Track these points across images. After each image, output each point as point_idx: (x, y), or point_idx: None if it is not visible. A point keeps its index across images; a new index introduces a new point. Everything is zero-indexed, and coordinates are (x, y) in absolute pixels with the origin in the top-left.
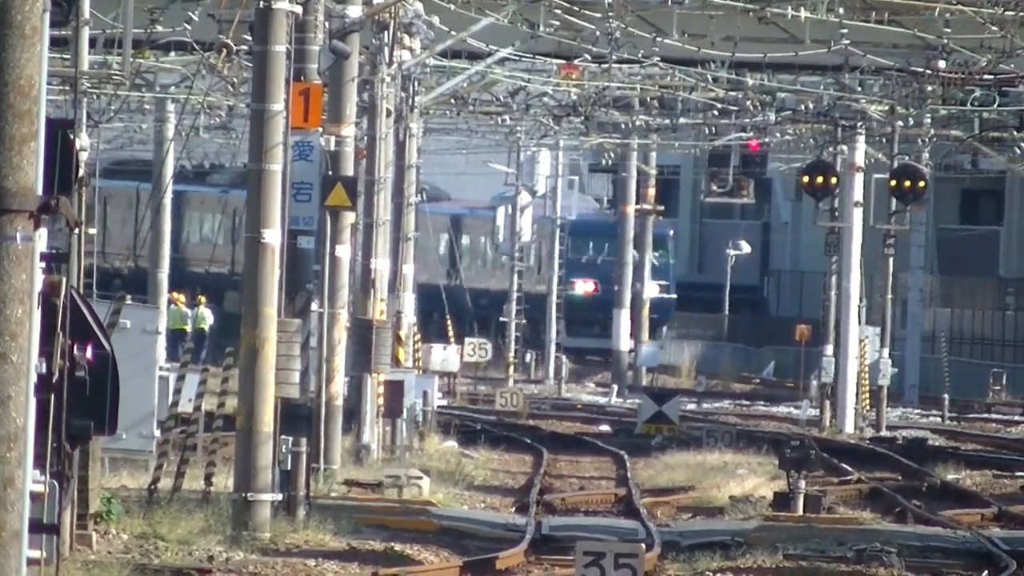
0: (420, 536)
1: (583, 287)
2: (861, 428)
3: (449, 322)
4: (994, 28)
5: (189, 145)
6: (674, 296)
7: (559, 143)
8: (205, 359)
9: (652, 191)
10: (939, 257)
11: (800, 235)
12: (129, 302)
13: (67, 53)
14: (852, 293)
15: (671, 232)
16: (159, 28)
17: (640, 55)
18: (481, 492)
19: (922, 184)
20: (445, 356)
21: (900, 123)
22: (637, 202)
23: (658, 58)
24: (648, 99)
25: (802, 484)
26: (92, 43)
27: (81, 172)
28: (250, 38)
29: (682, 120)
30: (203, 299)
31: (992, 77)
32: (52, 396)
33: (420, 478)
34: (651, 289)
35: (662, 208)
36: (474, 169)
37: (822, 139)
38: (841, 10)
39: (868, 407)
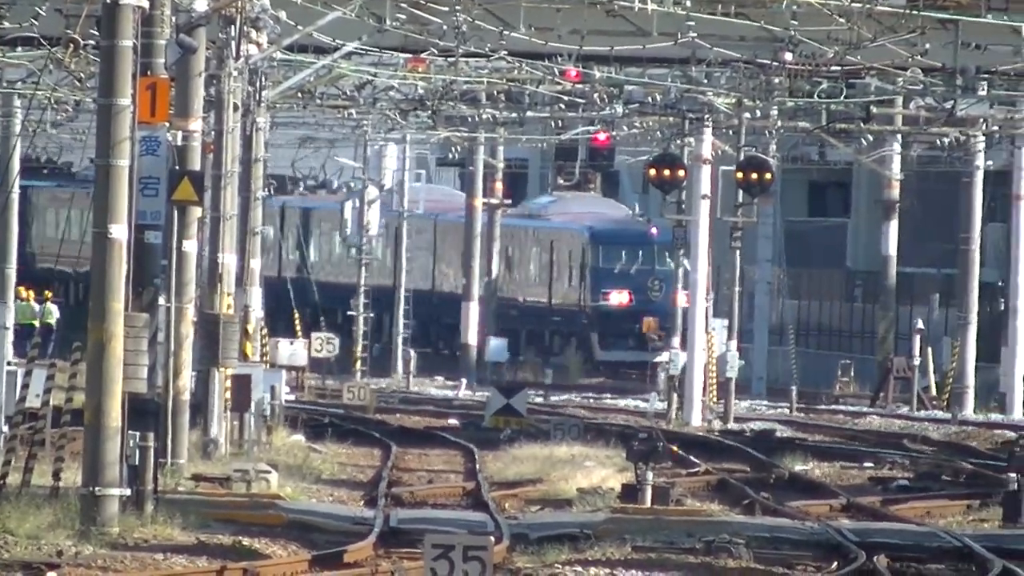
0: (268, 530)
1: (617, 298)
2: (709, 421)
3: (297, 317)
4: (841, 20)
5: (36, 140)
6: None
7: (406, 137)
8: (52, 354)
9: (500, 185)
10: (786, 249)
11: None
12: None
13: None
14: (699, 286)
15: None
16: (6, 24)
17: (487, 49)
18: (329, 486)
19: (769, 176)
20: (293, 351)
21: (747, 115)
22: (484, 195)
23: (505, 52)
24: (495, 93)
25: (650, 476)
26: None
27: None
28: (97, 33)
29: (529, 114)
30: (49, 294)
31: (839, 69)
32: None
33: (268, 472)
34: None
35: (509, 202)
36: (319, 163)
37: (669, 132)
38: (688, 3)
39: (716, 399)
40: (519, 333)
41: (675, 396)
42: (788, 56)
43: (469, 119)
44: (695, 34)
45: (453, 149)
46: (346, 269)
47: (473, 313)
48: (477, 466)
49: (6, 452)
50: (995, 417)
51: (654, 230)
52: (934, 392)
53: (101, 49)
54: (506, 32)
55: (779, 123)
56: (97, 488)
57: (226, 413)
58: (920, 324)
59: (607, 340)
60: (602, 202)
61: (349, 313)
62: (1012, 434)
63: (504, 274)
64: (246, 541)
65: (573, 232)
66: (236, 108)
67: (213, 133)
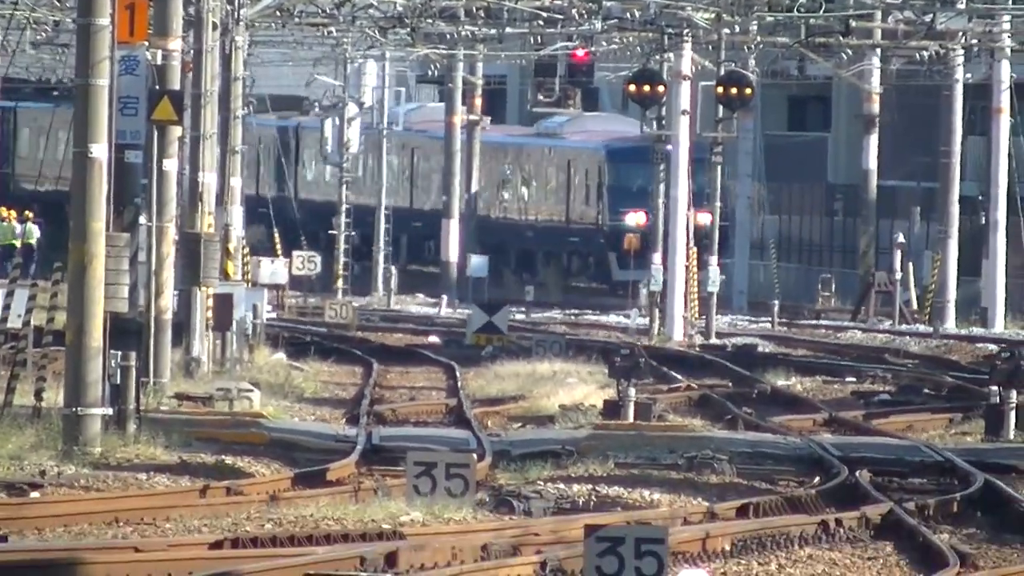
0: (251, 449)
1: (634, 218)
2: (691, 336)
3: (277, 235)
4: None
5: (16, 61)
6: (727, 223)
7: (386, 55)
8: (34, 274)
9: (479, 101)
10: (766, 164)
11: None
12: None
13: None
14: (680, 202)
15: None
16: None
17: None
18: (311, 404)
19: (748, 91)
20: (274, 269)
21: (726, 30)
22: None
23: None
24: (474, 9)
25: (632, 392)
26: None
27: None
28: None
29: (508, 30)
30: (31, 214)
31: None
32: None
33: (250, 391)
34: (704, 217)
35: (489, 118)
36: (301, 81)
37: (648, 48)
38: None
39: (697, 315)
40: (534, 254)
41: (657, 312)
42: None
43: (448, 36)
44: None
45: (433, 66)
46: (327, 187)
47: (453, 231)
48: (459, 383)
49: None
50: (976, 331)
51: (670, 147)
52: (915, 306)
53: None
54: None
55: (758, 38)
56: (79, 408)
57: (208, 332)
58: (901, 238)
59: (624, 260)
60: (619, 120)
61: (330, 232)
62: (993, 347)
63: (521, 194)
64: (228, 460)
65: (590, 151)
66: (215, 27)
67: (192, 52)
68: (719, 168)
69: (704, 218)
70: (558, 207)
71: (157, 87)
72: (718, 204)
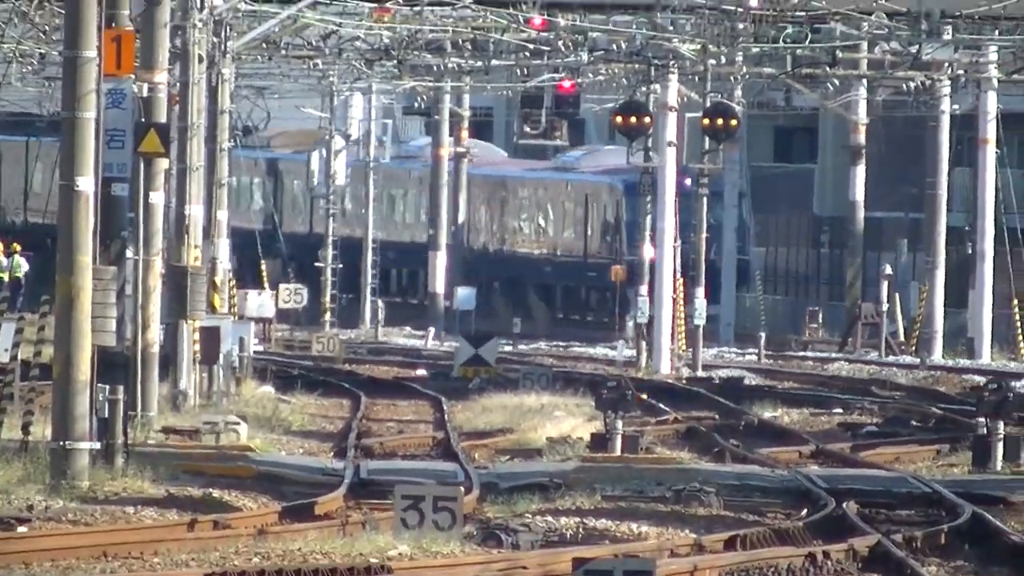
0: (238, 482)
1: (651, 251)
2: (678, 368)
3: (264, 268)
4: None
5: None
6: (747, 258)
7: (372, 87)
8: (21, 307)
9: (466, 133)
10: (753, 195)
11: None
12: None
13: None
14: (666, 233)
15: (744, 188)
16: None
17: None
18: (299, 437)
19: (735, 122)
20: (260, 302)
21: (712, 62)
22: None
23: (470, 0)
24: (460, 41)
25: (619, 425)
26: None
27: None
28: None
29: (495, 62)
30: (18, 247)
31: (804, 14)
32: None
33: (237, 424)
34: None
35: (477, 149)
36: (287, 115)
37: (635, 79)
38: None
39: (684, 347)
40: (554, 289)
41: (644, 344)
42: (753, 2)
43: (435, 68)
44: None
45: (419, 98)
46: (314, 219)
47: (440, 263)
48: (446, 416)
49: None
50: (963, 362)
51: (687, 181)
52: (902, 337)
53: (66, 1)
54: None
55: (744, 69)
56: (67, 442)
57: (195, 365)
58: (888, 269)
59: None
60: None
61: (316, 264)
62: (980, 378)
63: (537, 227)
64: (216, 493)
65: (607, 185)
66: (201, 59)
67: (179, 85)
68: (705, 200)
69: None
70: (576, 241)
71: (143, 120)
72: (704, 235)
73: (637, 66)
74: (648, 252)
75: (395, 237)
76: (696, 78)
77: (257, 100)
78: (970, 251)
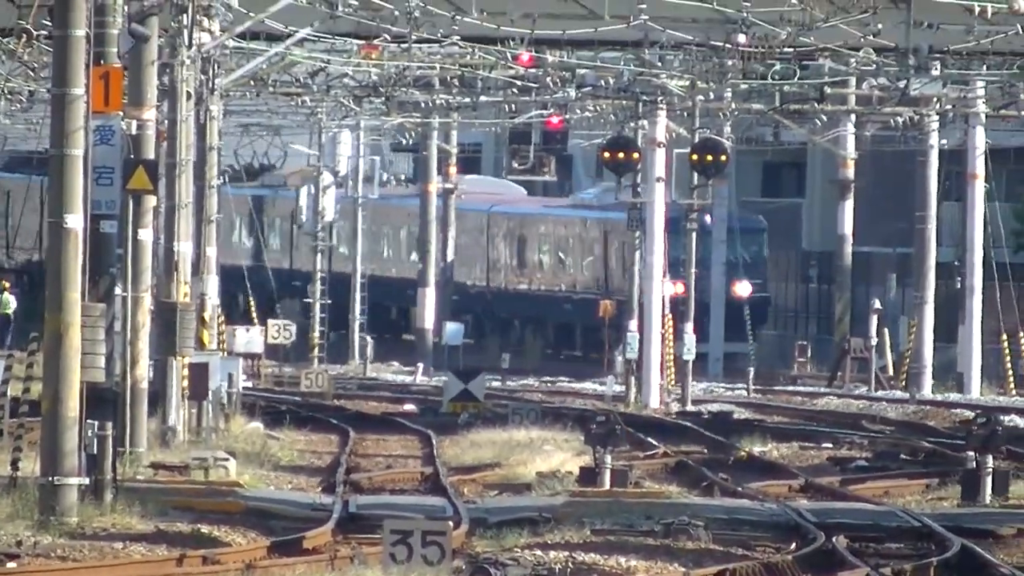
0: (227, 517)
1: (743, 289)
2: (667, 403)
3: (252, 304)
4: (793, 1)
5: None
6: (768, 295)
7: (360, 123)
8: (10, 344)
9: (454, 169)
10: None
11: None
12: None
13: None
14: (655, 268)
15: (763, 224)
16: None
17: (440, 34)
18: (287, 473)
19: (724, 158)
20: (249, 338)
21: (701, 97)
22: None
23: (458, 37)
24: (448, 78)
25: (608, 459)
26: None
27: None
28: (50, 23)
29: (483, 98)
30: (7, 284)
31: (792, 50)
32: None
33: (226, 460)
34: (744, 288)
35: (464, 186)
36: (276, 151)
37: (623, 115)
38: None
39: (673, 382)
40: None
41: (633, 379)
42: (741, 38)
43: (423, 104)
44: (647, 17)
45: (407, 134)
46: (302, 255)
47: (429, 298)
48: (435, 451)
49: None
50: (953, 396)
51: (708, 218)
52: (891, 372)
53: (54, 39)
54: (458, 17)
55: (733, 105)
56: (56, 477)
57: (184, 401)
58: (877, 304)
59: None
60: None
61: (306, 300)
62: (970, 413)
63: (554, 264)
64: (205, 529)
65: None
66: (189, 96)
67: (167, 122)
68: (694, 235)
69: (674, 288)
70: (595, 278)
71: (132, 156)
72: (693, 270)
73: (625, 102)
74: (674, 288)
75: (383, 272)
76: (684, 114)
77: (273, 139)
78: (959, 286)
